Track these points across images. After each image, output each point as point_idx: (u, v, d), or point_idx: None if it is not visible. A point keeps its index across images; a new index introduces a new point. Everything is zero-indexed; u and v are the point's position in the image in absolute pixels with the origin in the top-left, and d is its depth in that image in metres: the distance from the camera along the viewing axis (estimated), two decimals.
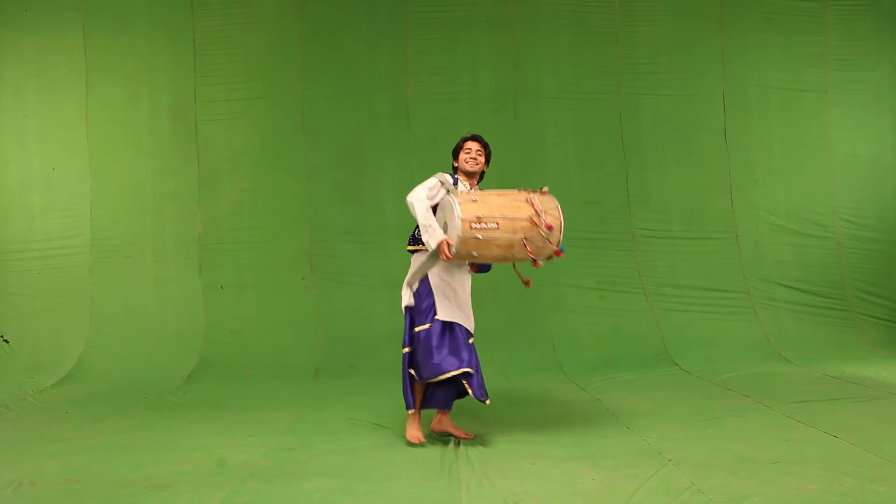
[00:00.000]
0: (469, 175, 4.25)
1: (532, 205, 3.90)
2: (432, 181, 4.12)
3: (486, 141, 4.29)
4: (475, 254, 3.89)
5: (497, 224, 3.83)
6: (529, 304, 6.76)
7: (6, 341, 6.38)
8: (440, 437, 4.17)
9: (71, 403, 5.37)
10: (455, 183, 4.16)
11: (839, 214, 7.28)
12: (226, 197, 6.90)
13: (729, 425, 4.32)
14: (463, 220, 3.78)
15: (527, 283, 4.13)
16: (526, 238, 3.86)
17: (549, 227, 3.86)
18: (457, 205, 3.83)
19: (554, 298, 6.83)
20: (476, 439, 4.12)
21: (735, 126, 7.26)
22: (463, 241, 3.80)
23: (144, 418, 4.89)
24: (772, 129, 7.32)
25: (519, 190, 4.05)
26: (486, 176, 4.38)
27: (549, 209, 3.95)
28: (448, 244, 3.86)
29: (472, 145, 4.24)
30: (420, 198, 4.03)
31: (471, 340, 4.16)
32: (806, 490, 3.16)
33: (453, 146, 4.31)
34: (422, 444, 4.03)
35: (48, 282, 6.63)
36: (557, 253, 3.97)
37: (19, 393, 5.67)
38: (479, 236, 3.80)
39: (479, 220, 3.81)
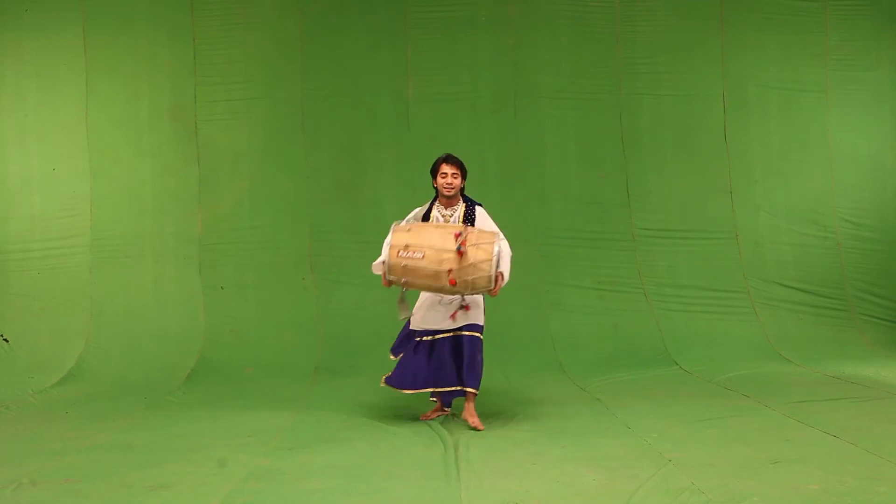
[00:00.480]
0: (447, 198, 4.47)
1: (460, 239, 4.00)
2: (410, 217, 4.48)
3: (461, 160, 4.48)
4: (404, 280, 4.11)
5: (423, 255, 4.00)
6: (529, 304, 6.77)
7: (6, 341, 6.38)
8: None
9: (71, 403, 5.37)
10: (430, 210, 4.49)
11: (839, 214, 7.28)
12: (226, 197, 6.90)
13: (729, 425, 4.32)
14: (392, 247, 4.07)
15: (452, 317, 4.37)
16: (451, 270, 3.98)
17: (460, 254, 3.96)
18: (391, 233, 4.13)
19: (554, 298, 6.83)
20: (476, 439, 4.13)
21: (735, 126, 7.26)
22: (391, 267, 4.08)
23: (144, 418, 4.89)
24: (772, 129, 7.32)
25: (467, 226, 4.22)
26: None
27: (483, 243, 4.03)
28: (383, 262, 4.15)
29: (448, 169, 4.42)
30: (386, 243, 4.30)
31: (426, 338, 4.50)
32: (806, 490, 3.16)
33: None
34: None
35: (48, 282, 6.63)
36: (493, 291, 4.12)
37: (19, 393, 5.67)
38: (406, 264, 4.02)
39: (406, 248, 4.03)
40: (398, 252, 4.04)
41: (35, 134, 6.79)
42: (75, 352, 6.33)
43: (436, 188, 4.51)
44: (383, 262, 4.18)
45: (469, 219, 4.44)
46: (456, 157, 4.48)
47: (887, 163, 7.40)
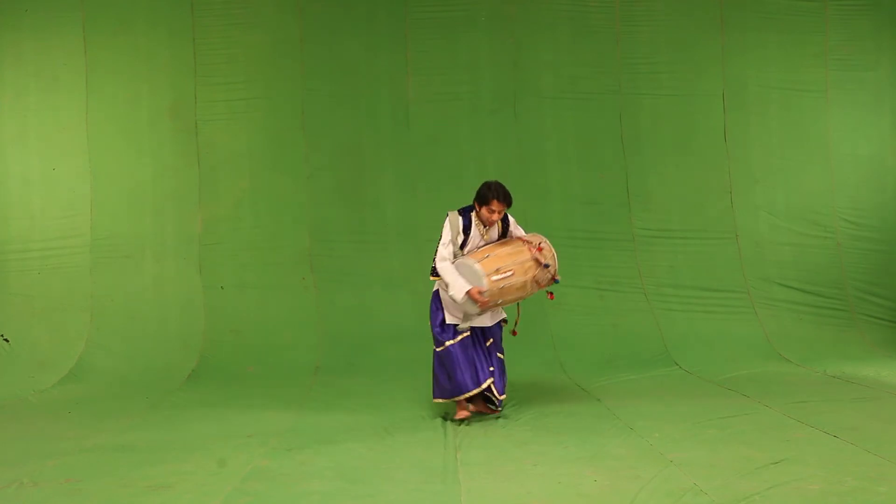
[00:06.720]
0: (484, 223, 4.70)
1: (529, 248, 4.61)
2: (446, 234, 4.60)
3: (511, 197, 4.64)
4: (500, 301, 4.58)
5: (512, 272, 4.50)
6: (529, 304, 6.72)
7: (6, 341, 6.38)
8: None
9: (71, 403, 5.37)
10: (468, 226, 4.63)
11: (839, 214, 7.27)
12: (226, 197, 6.89)
13: (729, 425, 4.32)
14: (486, 276, 4.42)
15: (550, 296, 4.94)
16: (535, 276, 4.60)
17: (547, 265, 4.65)
18: (476, 264, 4.45)
19: (554, 298, 6.81)
20: (477, 439, 4.13)
21: (735, 126, 7.25)
22: (490, 292, 4.45)
23: (145, 418, 4.89)
24: (772, 129, 7.31)
25: (510, 235, 4.78)
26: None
27: (544, 248, 4.68)
28: (479, 292, 4.42)
29: (497, 207, 4.59)
30: (444, 257, 4.59)
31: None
32: (806, 490, 3.17)
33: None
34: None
35: (48, 282, 6.62)
36: (555, 279, 4.77)
37: (20, 393, 5.67)
38: (502, 285, 4.47)
39: (497, 271, 4.46)
40: (491, 277, 4.43)
41: (35, 134, 6.78)
42: (75, 352, 6.32)
43: (475, 208, 4.67)
44: (471, 291, 4.43)
45: (504, 230, 4.78)
46: (508, 196, 4.62)
47: (887, 163, 7.39)
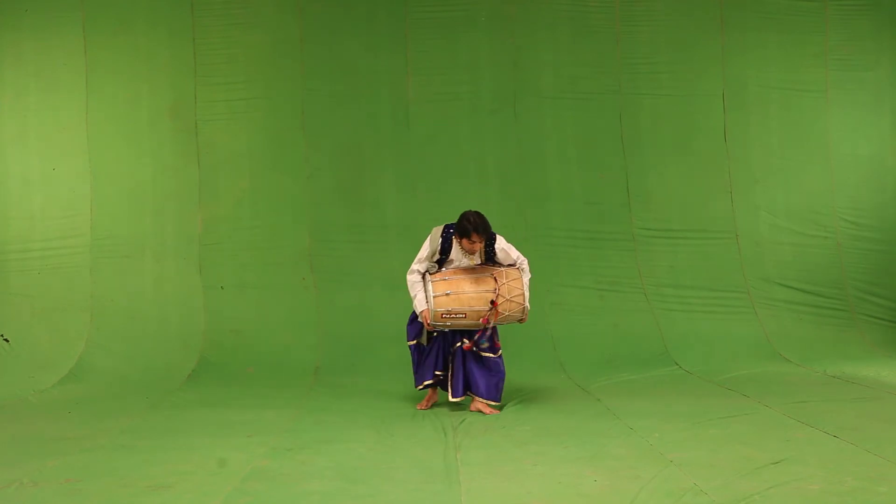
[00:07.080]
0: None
1: (495, 300, 4.62)
2: (423, 250, 4.76)
3: (488, 229, 4.65)
4: (447, 330, 4.78)
5: (465, 315, 4.65)
6: (530, 304, 6.76)
7: (6, 341, 6.38)
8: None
9: (71, 403, 5.36)
10: (447, 248, 4.73)
11: (839, 214, 7.27)
12: (226, 197, 6.89)
13: (730, 425, 4.32)
14: (435, 312, 4.62)
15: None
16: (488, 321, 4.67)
17: (497, 314, 4.64)
18: (432, 299, 4.61)
19: (554, 298, 6.82)
20: (477, 440, 4.13)
21: (735, 126, 7.26)
22: (436, 325, 4.70)
23: (145, 418, 4.89)
24: (772, 129, 7.31)
25: (492, 272, 4.72)
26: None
27: (516, 296, 4.69)
28: (426, 321, 4.69)
29: (476, 238, 4.63)
30: (411, 270, 4.79)
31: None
32: (806, 490, 3.17)
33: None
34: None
35: (48, 282, 6.62)
36: (522, 320, 4.84)
37: (20, 393, 5.67)
38: (449, 323, 4.67)
39: (448, 312, 4.61)
40: (441, 315, 4.62)
41: (35, 134, 6.78)
42: (75, 352, 6.32)
43: (455, 232, 4.70)
44: (423, 313, 4.69)
45: (489, 255, 4.77)
46: (487, 228, 4.63)
47: (887, 163, 7.39)
